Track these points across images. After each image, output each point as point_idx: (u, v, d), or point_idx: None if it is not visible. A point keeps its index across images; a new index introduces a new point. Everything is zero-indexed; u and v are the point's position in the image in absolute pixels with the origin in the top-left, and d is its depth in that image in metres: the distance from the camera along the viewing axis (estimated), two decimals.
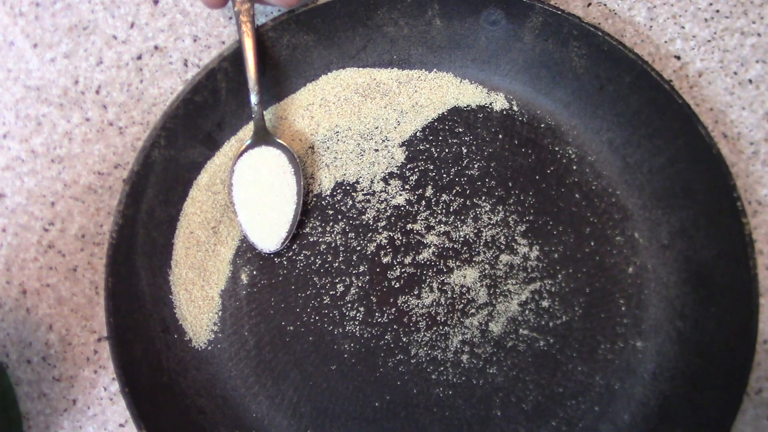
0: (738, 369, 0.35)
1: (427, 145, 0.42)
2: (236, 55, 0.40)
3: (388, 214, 0.41)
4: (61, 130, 0.45)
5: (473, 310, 0.40)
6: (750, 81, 0.43)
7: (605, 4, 0.44)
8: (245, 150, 0.39)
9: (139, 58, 0.46)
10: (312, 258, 0.41)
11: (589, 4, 0.44)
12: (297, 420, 0.38)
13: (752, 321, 0.35)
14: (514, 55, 0.42)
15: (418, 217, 0.41)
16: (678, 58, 0.43)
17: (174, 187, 0.40)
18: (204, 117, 0.41)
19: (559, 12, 0.40)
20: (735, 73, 0.43)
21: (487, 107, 0.43)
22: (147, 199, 0.39)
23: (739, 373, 0.35)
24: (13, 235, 0.43)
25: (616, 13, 0.43)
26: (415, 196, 0.41)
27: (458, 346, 0.39)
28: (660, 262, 0.40)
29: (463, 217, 0.41)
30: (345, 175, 0.42)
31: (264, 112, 0.42)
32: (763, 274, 0.40)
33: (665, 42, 0.43)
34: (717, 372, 0.36)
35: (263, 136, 0.39)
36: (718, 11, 0.43)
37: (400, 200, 0.41)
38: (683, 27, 0.43)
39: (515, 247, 0.40)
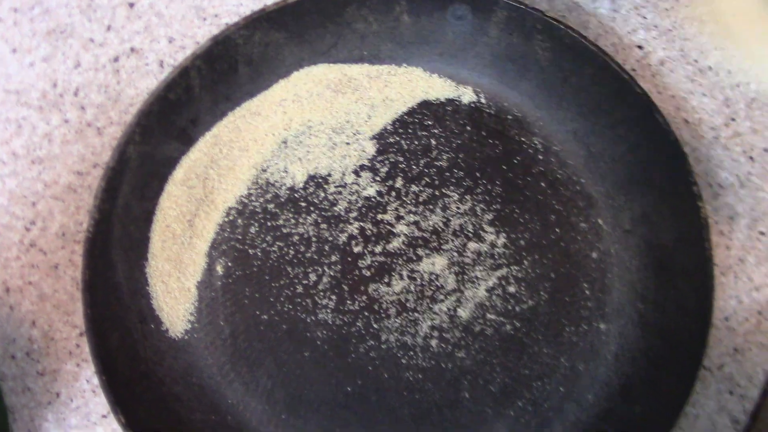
0: (694, 347, 0.38)
1: (397, 138, 0.45)
2: (209, 54, 0.43)
3: (359, 205, 0.44)
4: (41, 131, 0.48)
5: (442, 297, 0.42)
6: (710, 68, 0.46)
7: None
8: None
9: (116, 60, 0.49)
10: (285, 249, 0.44)
11: None
12: (272, 405, 0.41)
13: (707, 301, 0.38)
14: (480, 49, 0.45)
15: (388, 208, 0.44)
16: (640, 47, 0.46)
17: (150, 183, 0.43)
18: (178, 114, 0.43)
19: (523, 6, 0.42)
20: (695, 61, 0.46)
21: (456, 100, 0.46)
22: (123, 194, 0.42)
23: (695, 352, 0.38)
24: None
25: (579, 5, 0.46)
26: (386, 188, 0.44)
27: (427, 332, 0.42)
28: (623, 248, 0.42)
29: (432, 207, 0.44)
30: (317, 168, 0.45)
31: (238, 109, 0.45)
32: (724, 254, 0.43)
33: (628, 33, 0.46)
34: (674, 351, 0.39)
35: None
36: (678, 1, 0.46)
37: (370, 192, 0.44)
38: (645, 17, 0.46)
39: (483, 235, 0.43)
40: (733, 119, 0.45)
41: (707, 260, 0.38)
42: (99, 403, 0.42)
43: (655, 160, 0.41)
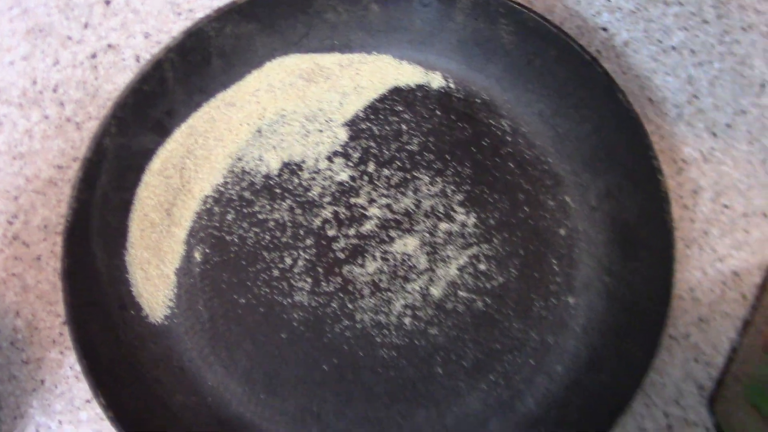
0: (656, 316, 0.39)
1: (369, 124, 0.47)
2: (181, 47, 0.45)
3: (333, 190, 0.46)
4: (22, 128, 0.49)
5: (414, 276, 0.44)
6: (673, 48, 0.47)
7: None
8: None
9: (94, 56, 0.50)
10: (261, 234, 0.45)
11: None
12: (251, 386, 0.43)
13: (669, 272, 0.40)
14: (447, 35, 0.47)
15: (360, 192, 0.45)
16: (605, 29, 0.48)
17: (127, 173, 0.45)
18: (153, 106, 0.45)
19: None
20: (659, 41, 0.48)
21: (425, 86, 0.47)
22: (101, 184, 0.43)
23: (658, 320, 0.39)
24: None
25: None
26: (358, 172, 0.46)
27: (401, 310, 0.43)
28: (589, 224, 0.44)
29: (403, 190, 0.45)
30: (291, 155, 0.46)
31: (213, 100, 0.47)
32: (688, 227, 0.44)
33: (593, 15, 0.48)
34: (638, 321, 0.40)
35: None
36: None
37: (343, 176, 0.46)
38: (609, 0, 0.48)
39: (453, 215, 0.45)
40: (696, 97, 0.47)
41: (669, 232, 0.40)
42: (82, 388, 0.44)
43: (617, 138, 0.43)
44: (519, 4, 0.44)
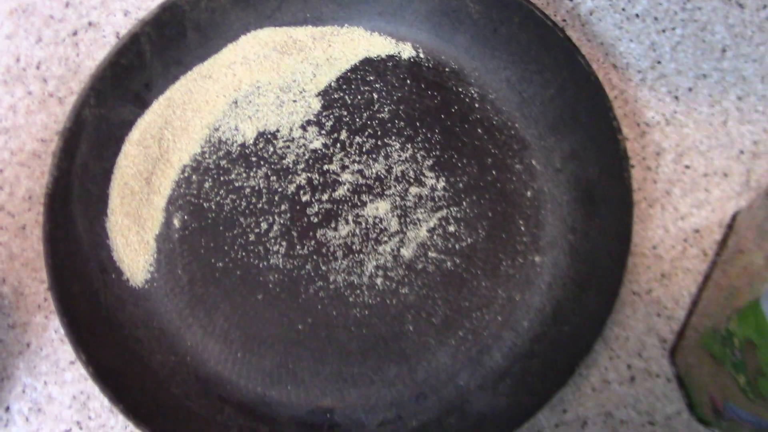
0: (615, 269, 0.41)
1: (341, 94, 0.49)
2: (157, 20, 0.47)
3: (307, 157, 0.47)
4: (6, 104, 0.51)
5: (386, 238, 0.46)
6: (637, 15, 0.49)
7: None
8: None
9: (75, 34, 0.52)
10: (238, 201, 0.47)
11: None
12: (228, 345, 0.45)
13: (628, 227, 0.41)
14: (416, 6, 0.49)
15: (333, 159, 0.47)
16: None
17: (107, 143, 0.46)
18: (131, 78, 0.47)
19: None
20: (623, 9, 0.49)
21: (396, 56, 0.49)
22: (81, 154, 0.45)
23: (617, 273, 0.41)
24: None
25: None
26: (331, 140, 0.48)
27: (373, 271, 0.45)
28: (554, 185, 0.46)
29: (375, 156, 0.47)
30: (266, 125, 0.48)
31: (190, 73, 0.49)
32: (651, 187, 0.46)
33: None
34: (599, 274, 0.42)
35: None
36: None
37: (317, 144, 0.48)
38: None
39: (423, 179, 0.46)
40: (658, 62, 0.49)
41: (627, 188, 0.42)
42: (66, 350, 0.46)
43: (579, 101, 0.44)
44: None
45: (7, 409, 0.45)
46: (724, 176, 0.46)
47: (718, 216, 0.45)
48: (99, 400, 0.45)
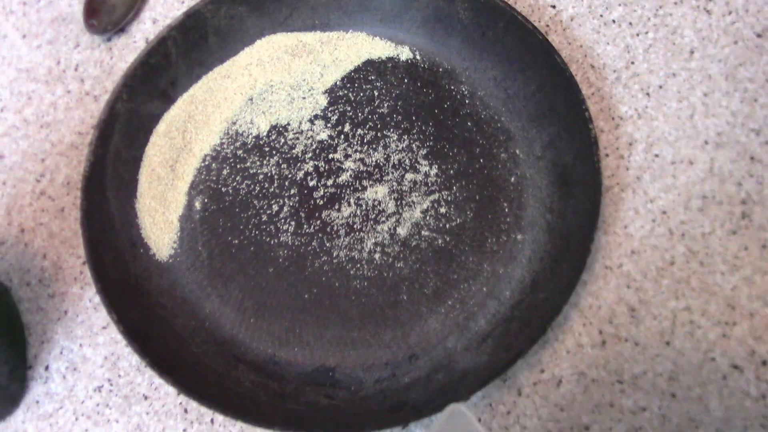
0: (585, 244, 0.47)
1: (346, 92, 0.55)
2: (182, 26, 0.54)
3: (314, 147, 0.54)
4: (48, 101, 0.58)
5: (383, 219, 0.52)
6: (613, 21, 0.55)
7: None
8: None
9: (109, 39, 0.59)
10: (252, 186, 0.53)
11: None
12: (242, 312, 0.51)
13: (596, 206, 0.47)
14: (413, 14, 0.55)
15: (338, 148, 0.54)
16: (553, 6, 0.56)
17: (137, 134, 0.53)
18: (159, 77, 0.54)
19: None
20: (601, 16, 0.55)
21: (395, 58, 0.56)
22: (114, 143, 0.52)
23: (586, 247, 0.47)
24: (12, 186, 0.57)
25: None
26: (336, 132, 0.54)
27: (371, 248, 0.52)
28: (535, 171, 0.52)
29: (374, 146, 0.53)
30: (278, 119, 0.55)
31: (211, 73, 0.56)
32: (624, 174, 0.52)
33: None
34: (572, 248, 0.47)
35: None
36: None
37: (323, 136, 0.54)
38: None
39: (418, 167, 0.53)
40: (632, 62, 0.55)
41: (597, 171, 0.47)
42: (99, 317, 0.52)
43: (557, 96, 0.50)
44: None
45: (47, 368, 0.52)
46: (690, 164, 0.51)
47: (684, 199, 0.51)
48: (127, 360, 0.51)
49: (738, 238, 0.47)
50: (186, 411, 0.49)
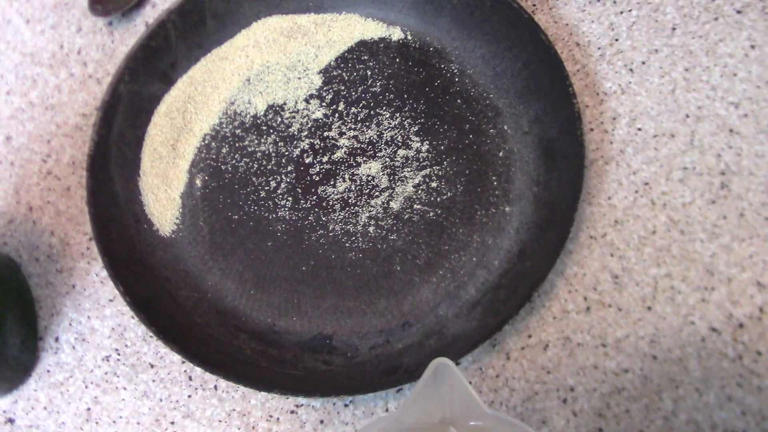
0: (569, 213, 0.49)
1: (340, 72, 0.57)
2: (181, 9, 0.56)
3: (309, 125, 0.56)
4: (52, 84, 0.61)
5: (377, 193, 0.54)
6: (597, 0, 0.57)
7: None
8: None
9: (110, 23, 0.62)
10: (251, 163, 0.56)
11: None
12: (242, 284, 0.53)
13: (579, 178, 0.49)
14: None
15: (332, 126, 0.56)
16: None
17: (139, 114, 0.56)
18: (159, 59, 0.56)
19: None
20: None
21: (387, 38, 0.58)
22: (117, 123, 0.54)
23: (570, 217, 0.49)
24: (19, 167, 0.59)
25: None
26: (330, 111, 0.56)
27: (366, 221, 0.54)
28: (522, 146, 0.54)
29: (368, 124, 0.56)
30: (275, 98, 0.57)
31: (209, 55, 0.58)
32: (608, 147, 0.54)
33: None
34: (557, 219, 0.50)
35: None
36: None
37: (318, 115, 0.57)
38: None
39: (410, 143, 0.55)
40: (616, 40, 0.57)
41: (580, 144, 0.49)
42: (106, 290, 0.55)
43: (542, 73, 0.52)
44: None
45: (57, 339, 0.55)
46: (671, 137, 0.54)
47: (665, 171, 0.53)
48: (134, 331, 0.54)
49: (717, 207, 0.50)
50: (190, 378, 0.51)
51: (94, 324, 0.53)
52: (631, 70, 0.54)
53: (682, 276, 0.48)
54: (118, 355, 0.52)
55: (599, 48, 0.55)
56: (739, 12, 0.54)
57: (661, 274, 0.49)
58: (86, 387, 0.51)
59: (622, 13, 0.56)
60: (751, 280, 0.48)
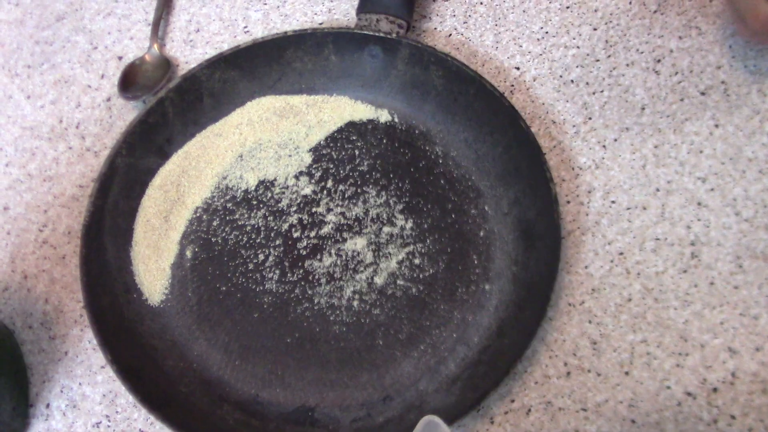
0: (546, 292, 0.52)
1: (329, 150, 0.60)
2: (179, 88, 0.59)
3: (298, 201, 0.59)
4: (51, 156, 0.63)
5: (362, 268, 0.56)
6: (572, 81, 0.60)
7: (462, 34, 0.62)
8: None
9: (108, 100, 0.65)
10: (240, 236, 0.58)
11: (450, 35, 0.62)
12: (228, 354, 0.55)
13: (556, 258, 0.52)
14: (392, 80, 0.60)
15: (320, 203, 0.58)
16: (518, 68, 0.61)
17: (134, 187, 0.58)
18: (156, 134, 0.59)
19: (419, 45, 0.58)
20: (560, 76, 0.60)
21: (375, 120, 0.61)
22: (112, 194, 0.56)
23: (546, 296, 0.51)
24: (16, 236, 0.61)
25: (470, 40, 0.62)
26: (319, 187, 0.59)
27: (350, 295, 0.56)
28: (502, 226, 0.56)
29: (355, 201, 0.58)
30: (266, 174, 0.60)
31: (204, 131, 0.61)
32: (584, 219, 0.54)
33: (508, 58, 0.61)
34: (534, 297, 0.52)
35: None
36: (546, 32, 0.61)
37: (307, 191, 0.59)
38: (521, 45, 0.61)
39: (394, 221, 0.58)
40: (590, 118, 0.58)
41: (557, 227, 0.52)
42: (98, 357, 0.56)
43: (521, 157, 0.55)
44: (445, 54, 0.57)
45: (48, 405, 0.56)
46: (643, 209, 0.52)
47: (639, 241, 0.54)
48: (125, 398, 0.55)
49: (688, 276, 0.52)
50: None
51: (86, 390, 0.54)
52: (604, 146, 0.57)
53: (658, 342, 0.50)
54: (109, 421, 0.53)
55: (574, 126, 0.58)
56: (703, 93, 0.57)
57: (638, 340, 0.50)
58: None
59: (594, 93, 0.59)
60: (723, 345, 0.49)
